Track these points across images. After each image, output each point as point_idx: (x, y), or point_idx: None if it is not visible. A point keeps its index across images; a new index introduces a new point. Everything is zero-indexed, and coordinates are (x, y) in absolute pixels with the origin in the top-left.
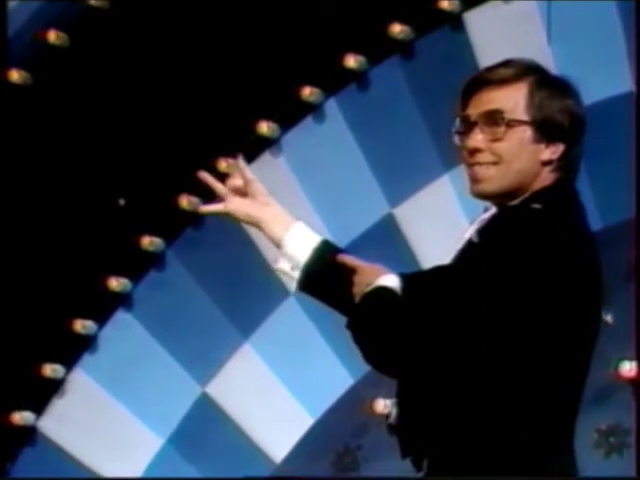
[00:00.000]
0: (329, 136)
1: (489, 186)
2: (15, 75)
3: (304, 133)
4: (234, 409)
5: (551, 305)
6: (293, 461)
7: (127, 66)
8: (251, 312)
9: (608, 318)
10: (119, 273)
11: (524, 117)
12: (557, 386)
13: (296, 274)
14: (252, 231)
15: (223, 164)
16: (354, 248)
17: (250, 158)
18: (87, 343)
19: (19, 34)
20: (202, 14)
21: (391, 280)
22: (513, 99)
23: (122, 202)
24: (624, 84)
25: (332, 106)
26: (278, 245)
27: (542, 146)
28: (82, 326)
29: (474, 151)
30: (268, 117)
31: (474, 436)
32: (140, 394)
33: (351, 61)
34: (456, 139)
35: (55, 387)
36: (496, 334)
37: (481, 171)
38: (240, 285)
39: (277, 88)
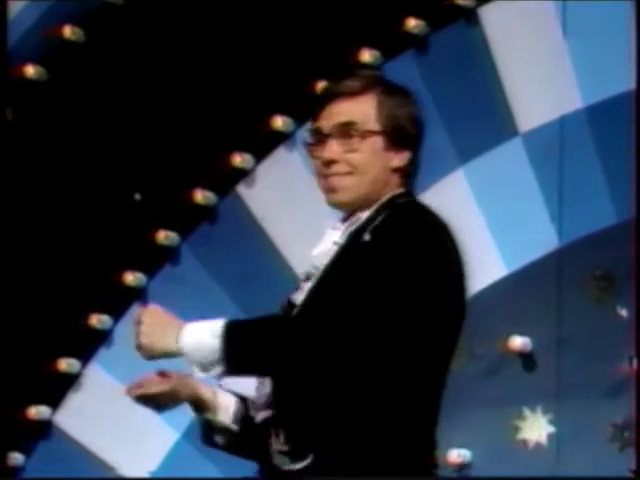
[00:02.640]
0: None
1: (345, 196)
2: (31, 70)
3: None
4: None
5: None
6: None
7: (142, 61)
8: (264, 305)
9: (623, 312)
10: (135, 267)
11: (375, 127)
12: (424, 379)
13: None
14: (266, 226)
15: (237, 159)
16: None
17: (264, 153)
18: (103, 337)
19: (34, 29)
20: (217, 8)
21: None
22: (364, 111)
23: (138, 197)
24: None
25: None
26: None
27: (392, 154)
28: (98, 320)
29: (330, 162)
30: (283, 111)
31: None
32: None
33: (366, 55)
34: (306, 151)
35: (71, 381)
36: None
37: (337, 181)
38: (253, 279)
39: (292, 82)
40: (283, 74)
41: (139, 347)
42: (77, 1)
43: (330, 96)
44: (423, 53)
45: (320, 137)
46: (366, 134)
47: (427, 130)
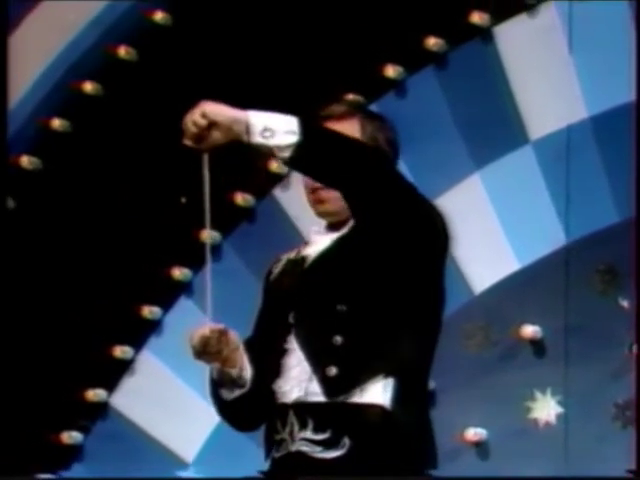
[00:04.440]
0: None
1: (332, 206)
2: (89, 86)
3: None
4: None
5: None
6: None
7: (191, 80)
8: None
9: (624, 303)
10: (182, 264)
11: None
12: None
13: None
14: (299, 224)
15: (274, 165)
16: None
17: None
18: (153, 327)
19: (93, 49)
20: (261, 28)
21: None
22: (349, 132)
23: (184, 200)
24: None
25: None
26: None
27: None
28: (149, 311)
29: None
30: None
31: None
32: (200, 372)
33: (390, 70)
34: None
35: (125, 367)
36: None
37: (326, 194)
38: None
39: (324, 95)
40: (315, 86)
41: (203, 115)
42: (133, 24)
43: (318, 119)
44: (442, 68)
45: None
46: None
47: (446, 138)
